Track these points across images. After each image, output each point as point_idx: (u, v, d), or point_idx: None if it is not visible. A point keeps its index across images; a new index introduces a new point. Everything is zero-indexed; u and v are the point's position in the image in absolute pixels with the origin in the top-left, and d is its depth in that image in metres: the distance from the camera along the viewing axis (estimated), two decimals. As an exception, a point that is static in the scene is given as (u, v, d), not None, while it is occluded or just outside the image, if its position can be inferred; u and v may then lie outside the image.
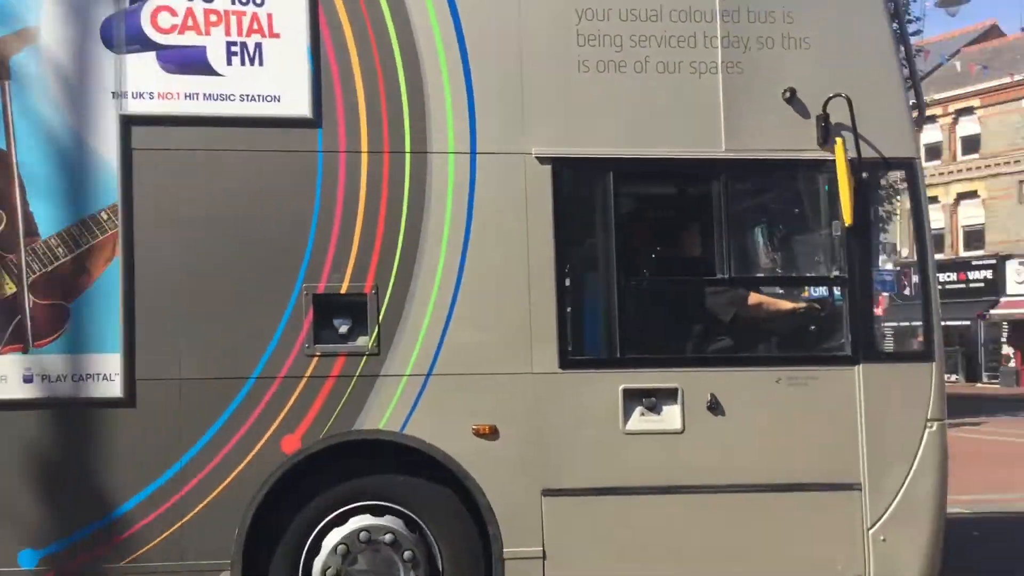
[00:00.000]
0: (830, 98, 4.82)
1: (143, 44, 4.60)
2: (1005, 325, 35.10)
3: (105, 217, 4.54)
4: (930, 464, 4.89)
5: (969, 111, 36.89)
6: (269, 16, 4.67)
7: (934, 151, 36.33)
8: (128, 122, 4.57)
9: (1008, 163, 35.53)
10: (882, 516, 4.85)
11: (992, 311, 34.78)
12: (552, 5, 4.84)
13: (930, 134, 35.58)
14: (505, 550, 4.65)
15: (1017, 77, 34.70)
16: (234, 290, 4.60)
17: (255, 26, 4.66)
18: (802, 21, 4.93)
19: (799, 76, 4.88)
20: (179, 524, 4.51)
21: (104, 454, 4.51)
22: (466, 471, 4.64)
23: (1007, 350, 35.03)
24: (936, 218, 34.93)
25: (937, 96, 33.15)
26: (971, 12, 44.81)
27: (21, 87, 4.54)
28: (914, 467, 4.87)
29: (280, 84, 4.66)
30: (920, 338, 4.97)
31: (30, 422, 4.49)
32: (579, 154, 4.78)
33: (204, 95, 4.62)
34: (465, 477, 4.64)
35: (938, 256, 28.51)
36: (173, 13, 4.62)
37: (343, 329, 4.65)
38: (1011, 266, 34.63)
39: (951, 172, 36.48)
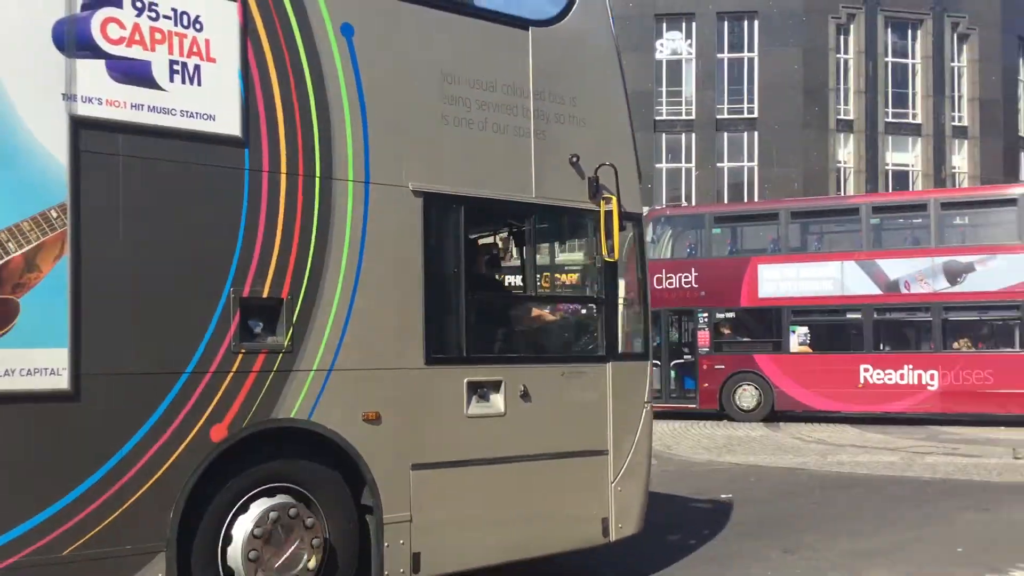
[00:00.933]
0: (600, 165, 6.88)
1: (93, 51, 5.03)
2: None
3: (55, 215, 4.89)
4: (645, 434, 7.18)
5: None
6: (207, 41, 5.38)
7: None
8: (77, 124, 4.96)
9: None
10: (620, 473, 7.00)
11: None
12: (426, 66, 6.21)
13: None
14: (385, 516, 5.88)
15: None
16: (170, 291, 5.22)
17: (195, 48, 5.34)
18: (582, 106, 6.94)
19: (580, 147, 6.86)
20: (120, 511, 5.00)
21: (50, 447, 4.84)
22: (358, 451, 5.79)
23: None
24: None
25: None
26: None
27: (-33, 76, 4.70)
28: (637, 436, 7.12)
29: (215, 104, 5.39)
30: (641, 342, 7.24)
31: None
32: (441, 191, 6.21)
33: (148, 107, 5.18)
34: (357, 457, 5.78)
35: None
36: (122, 26, 5.12)
37: (263, 329, 5.51)
38: None
39: None
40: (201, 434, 5.25)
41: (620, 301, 7.08)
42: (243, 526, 5.41)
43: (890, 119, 38.45)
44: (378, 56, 6.00)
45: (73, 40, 4.97)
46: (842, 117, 37.66)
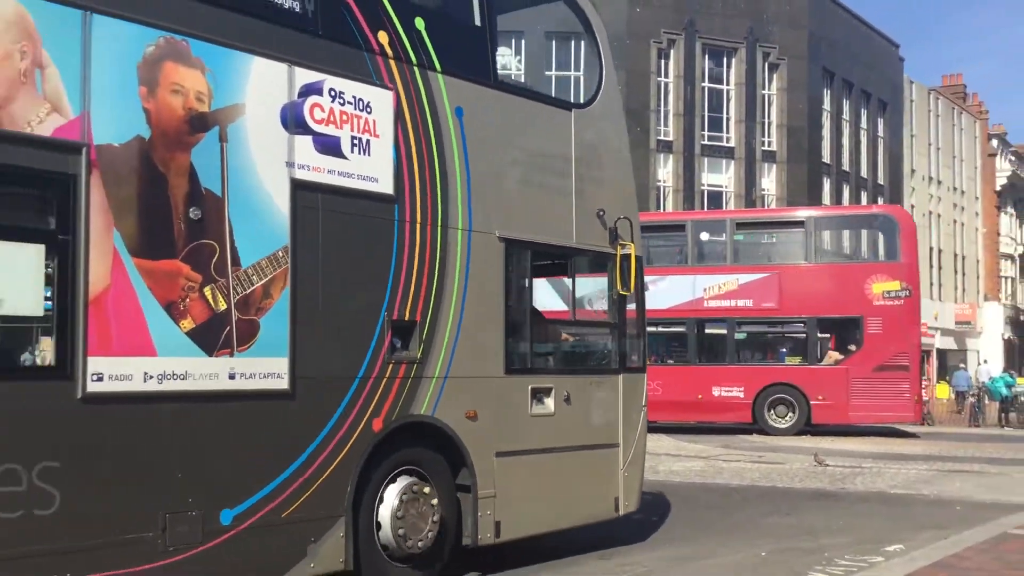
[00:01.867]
0: (618, 218, 9.15)
1: (304, 129, 6.87)
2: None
3: (281, 255, 6.69)
4: (643, 431, 9.51)
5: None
6: (374, 121, 7.28)
7: None
8: (295, 186, 6.79)
9: None
10: (627, 462, 9.28)
11: None
12: (506, 138, 8.30)
13: None
14: (479, 493, 7.91)
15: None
16: (348, 313, 7.10)
17: (366, 127, 7.24)
18: (605, 169, 9.20)
19: (603, 202, 9.11)
20: (317, 484, 6.83)
21: (275, 434, 6.64)
22: (462, 442, 7.80)
23: None
24: None
25: None
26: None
27: (233, 148, 6.47)
28: (638, 433, 9.43)
29: (378, 170, 7.30)
30: (639, 358, 9.56)
31: (231, 410, 6.42)
32: (516, 237, 8.31)
33: (338, 172, 7.04)
34: (462, 446, 7.79)
35: None
36: (322, 109, 6.97)
37: (403, 344, 7.46)
38: None
39: None
40: (367, 425, 7.14)
41: (628, 325, 9.37)
42: (390, 497, 7.32)
43: (706, 141, 42.35)
44: (477, 131, 8.04)
45: (292, 120, 6.78)
46: (662, 138, 41.27)
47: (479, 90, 8.13)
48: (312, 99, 6.90)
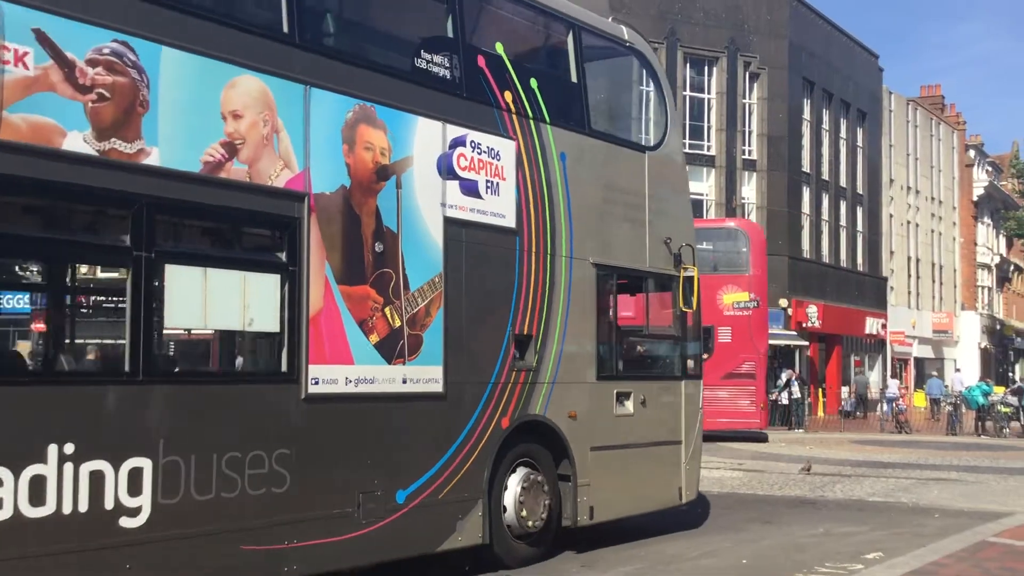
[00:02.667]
0: (681, 245, 11.03)
1: (452, 175, 8.66)
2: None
3: (436, 280, 8.47)
4: (700, 430, 11.39)
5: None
6: (501, 166, 9.09)
7: None
8: (447, 222, 8.57)
9: None
10: (688, 456, 11.16)
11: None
12: (597, 178, 10.14)
13: None
14: (579, 481, 9.72)
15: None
16: (483, 329, 8.89)
17: (496, 171, 9.04)
18: (670, 202, 11.08)
19: (668, 231, 10.99)
20: (463, 471, 8.61)
21: (432, 428, 8.42)
22: (566, 438, 9.62)
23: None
24: None
25: None
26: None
27: (405, 193, 8.25)
28: (696, 431, 11.31)
29: (504, 208, 9.10)
30: (696, 366, 11.45)
31: (403, 408, 8.20)
32: (605, 263, 10.15)
33: (476, 210, 8.83)
34: (565, 441, 9.60)
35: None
36: (466, 158, 8.77)
37: (523, 355, 9.26)
38: None
39: None
40: (497, 423, 8.93)
41: (688, 337, 11.25)
42: (513, 484, 9.11)
43: (687, 150, 43.98)
44: (575, 173, 9.87)
45: (444, 168, 8.57)
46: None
47: (577, 137, 9.98)
48: (459, 150, 8.69)
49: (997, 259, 68.44)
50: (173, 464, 6.53)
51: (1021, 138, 72.16)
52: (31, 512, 5.85)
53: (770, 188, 44.37)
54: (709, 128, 44.13)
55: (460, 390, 8.59)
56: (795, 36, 45.37)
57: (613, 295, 10.33)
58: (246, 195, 7.12)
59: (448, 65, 8.73)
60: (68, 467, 6.03)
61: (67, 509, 6.01)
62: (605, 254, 10.18)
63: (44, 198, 6.32)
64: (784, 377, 34.00)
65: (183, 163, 6.73)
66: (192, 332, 7.50)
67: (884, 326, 49.27)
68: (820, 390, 43.36)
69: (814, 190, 46.90)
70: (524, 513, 9.14)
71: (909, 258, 55.60)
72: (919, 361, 55.70)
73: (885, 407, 36.05)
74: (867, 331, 47.83)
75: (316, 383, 7.44)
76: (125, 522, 6.30)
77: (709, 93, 44.24)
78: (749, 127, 44.98)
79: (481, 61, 9.07)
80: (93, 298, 7.39)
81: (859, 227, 49.68)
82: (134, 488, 6.33)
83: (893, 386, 39.45)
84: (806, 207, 46.04)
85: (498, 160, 9.06)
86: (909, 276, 55.61)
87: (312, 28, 7.87)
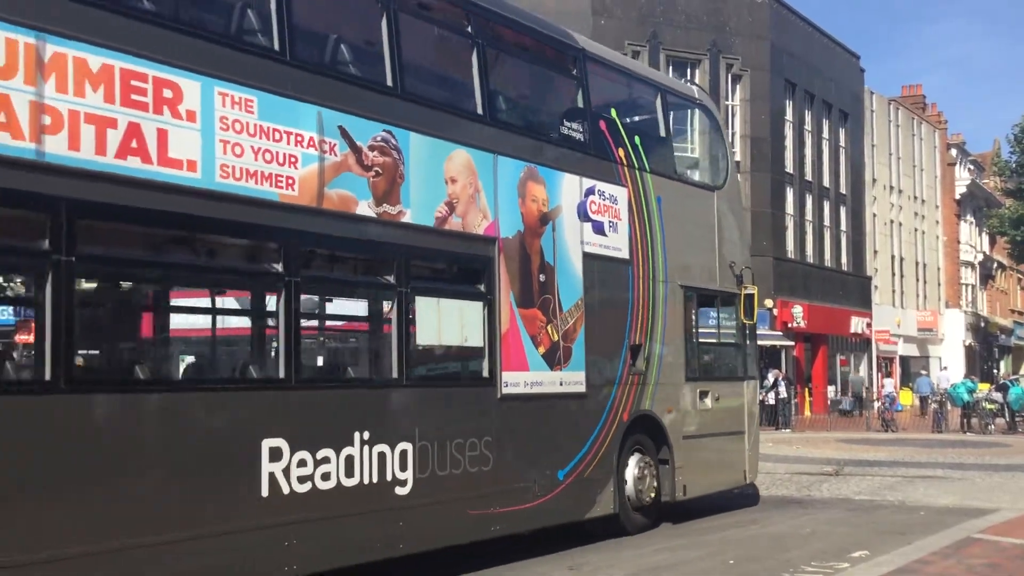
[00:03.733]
0: (743, 268, 14.07)
1: (586, 217, 11.58)
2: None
3: (578, 303, 11.40)
4: (757, 422, 14.47)
5: None
6: (618, 210, 12.02)
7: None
8: (584, 256, 11.50)
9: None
10: (750, 444, 14.21)
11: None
12: (681, 214, 13.17)
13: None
14: (676, 465, 12.69)
15: None
16: (609, 341, 11.83)
17: (614, 213, 11.96)
18: (732, 232, 14.15)
19: (732, 256, 14.05)
20: (600, 454, 11.52)
21: (578, 420, 11.34)
22: (666, 429, 12.59)
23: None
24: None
25: None
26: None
27: (558, 235, 11.16)
28: (755, 423, 14.39)
29: (621, 243, 12.04)
30: (755, 369, 14.50)
31: (561, 405, 11.11)
32: (689, 284, 13.16)
33: (601, 245, 11.76)
34: (665, 431, 12.57)
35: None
36: (595, 203, 11.68)
37: (635, 361, 12.22)
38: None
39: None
40: (620, 416, 11.88)
41: (748, 345, 14.31)
42: (631, 465, 12.06)
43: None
44: (667, 211, 12.84)
45: (582, 213, 11.48)
46: (628, 148, 45.55)
47: (668, 182, 13.00)
48: (591, 197, 11.62)
49: (980, 257, 72.14)
50: (424, 448, 9.37)
51: (1002, 136, 75.79)
52: (346, 482, 8.67)
53: (754, 189, 45.59)
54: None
55: (595, 390, 11.52)
56: (776, 38, 47.30)
57: (695, 310, 13.32)
58: (462, 241, 10.04)
59: (581, 130, 11.67)
60: (365, 449, 8.85)
61: (365, 480, 8.83)
62: (688, 277, 13.19)
63: (346, 251, 9.21)
64: (771, 378, 36.02)
65: (424, 219, 9.62)
66: (429, 346, 10.34)
67: (869, 325, 52.18)
68: (807, 390, 45.98)
69: (798, 191, 48.73)
70: (641, 489, 12.09)
71: (893, 257, 58.81)
72: (904, 359, 59.01)
73: (887, 404, 38.08)
74: (852, 330, 50.49)
75: (507, 386, 10.34)
76: (398, 491, 9.13)
77: (692, 95, 46.47)
78: (732, 128, 46.39)
79: (602, 124, 12.03)
80: (370, 324, 10.24)
81: (843, 227, 52.21)
82: (403, 465, 9.16)
83: (889, 385, 42.22)
84: (790, 208, 47.99)
85: (616, 204, 11.99)
86: (893, 275, 58.81)
87: (495, 108, 10.76)
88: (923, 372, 48.80)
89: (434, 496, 9.46)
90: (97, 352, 8.87)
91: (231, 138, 7.91)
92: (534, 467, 10.66)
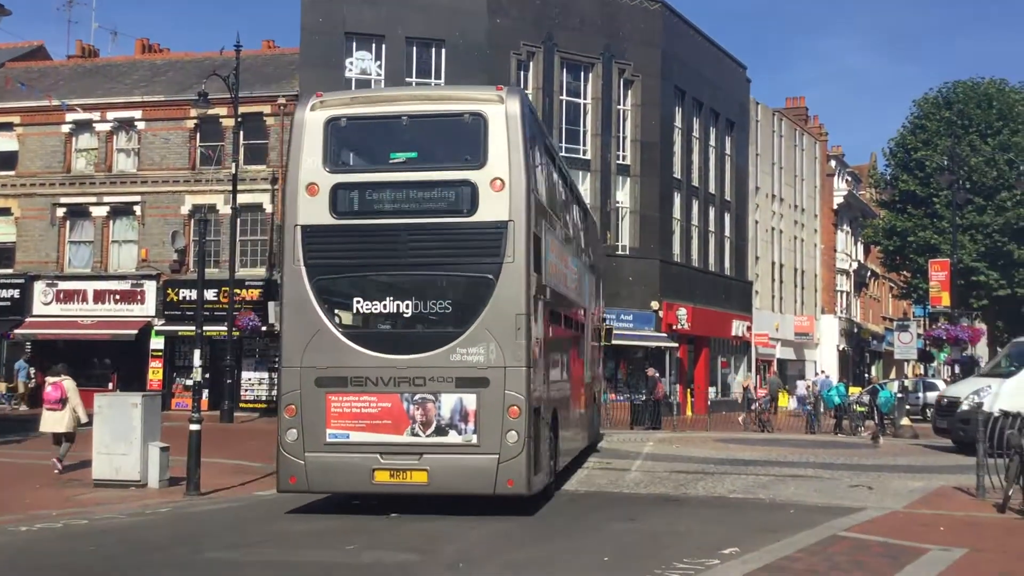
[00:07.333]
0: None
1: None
2: (28, 345, 43.78)
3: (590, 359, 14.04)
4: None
5: (8, 127, 45.31)
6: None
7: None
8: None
9: (43, 184, 44.15)
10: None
11: (17, 330, 43.15)
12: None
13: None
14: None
15: (55, 101, 42.57)
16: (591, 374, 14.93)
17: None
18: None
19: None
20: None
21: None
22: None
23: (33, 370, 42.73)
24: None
25: None
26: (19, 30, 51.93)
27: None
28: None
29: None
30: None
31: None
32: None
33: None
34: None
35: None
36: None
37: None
38: (38, 286, 43.55)
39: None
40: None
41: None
42: None
43: (564, 154, 47.67)
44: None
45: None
46: (520, 148, 46.34)
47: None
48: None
49: (855, 265, 78.78)
50: None
51: (879, 149, 78.95)
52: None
53: (643, 193, 49.00)
54: (585, 133, 48.33)
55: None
56: (667, 46, 50.75)
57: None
58: None
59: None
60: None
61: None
62: None
63: None
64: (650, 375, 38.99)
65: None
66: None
67: (749, 328, 56.43)
68: (688, 391, 50.00)
69: (685, 196, 52.29)
70: None
71: (773, 263, 63.49)
72: (782, 363, 63.52)
73: (763, 406, 40.47)
74: (733, 333, 55.33)
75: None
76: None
77: (585, 98, 48.45)
78: (623, 132, 49.51)
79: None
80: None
81: (727, 232, 57.21)
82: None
83: (801, 387, 44.45)
84: (677, 212, 51.46)
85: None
86: (773, 280, 63.86)
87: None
88: (812, 376, 51.59)
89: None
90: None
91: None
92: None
